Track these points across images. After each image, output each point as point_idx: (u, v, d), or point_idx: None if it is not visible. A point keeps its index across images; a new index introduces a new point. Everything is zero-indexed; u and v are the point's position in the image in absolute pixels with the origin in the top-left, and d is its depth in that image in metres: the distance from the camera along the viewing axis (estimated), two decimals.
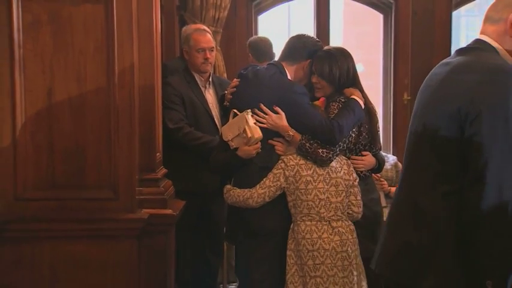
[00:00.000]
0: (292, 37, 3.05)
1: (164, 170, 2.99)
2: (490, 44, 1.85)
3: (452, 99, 1.78)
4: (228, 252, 4.07)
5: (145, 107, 2.80)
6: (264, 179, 2.80)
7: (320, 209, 2.77)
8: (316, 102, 2.94)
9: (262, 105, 2.82)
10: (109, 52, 2.59)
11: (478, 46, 1.88)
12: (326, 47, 3.03)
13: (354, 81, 2.95)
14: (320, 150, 2.78)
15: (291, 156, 2.82)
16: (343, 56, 2.94)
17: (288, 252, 2.81)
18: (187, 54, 3.68)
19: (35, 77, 2.59)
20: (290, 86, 2.89)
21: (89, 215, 2.63)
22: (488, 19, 1.88)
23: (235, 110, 2.88)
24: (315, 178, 2.78)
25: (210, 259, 3.85)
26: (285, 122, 2.81)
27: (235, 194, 2.84)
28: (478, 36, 1.91)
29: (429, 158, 1.85)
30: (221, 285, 4.05)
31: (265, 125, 2.81)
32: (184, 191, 3.24)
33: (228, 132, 2.87)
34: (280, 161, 2.82)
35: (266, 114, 2.82)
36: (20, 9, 2.55)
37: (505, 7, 1.83)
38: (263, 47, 4.01)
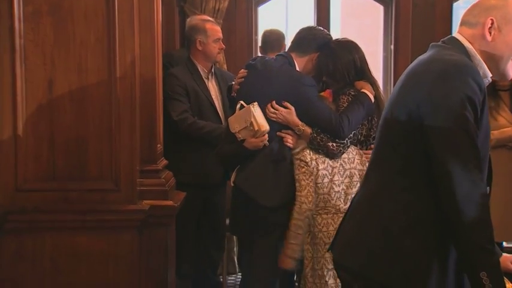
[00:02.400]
0: (303, 29, 3.02)
1: (165, 162, 2.98)
2: (460, 42, 1.88)
3: (413, 94, 1.81)
4: (228, 245, 4.08)
5: (147, 99, 2.79)
6: (296, 185, 2.75)
7: (336, 201, 2.77)
8: (323, 94, 2.93)
9: (273, 103, 2.80)
10: (110, 43, 2.58)
11: (446, 42, 1.91)
12: (332, 41, 2.98)
13: (363, 72, 2.91)
14: (330, 144, 2.77)
15: (304, 153, 2.79)
16: (345, 50, 2.89)
17: (306, 246, 2.80)
18: (201, 44, 3.61)
19: (36, 68, 2.58)
20: (299, 77, 2.87)
21: (90, 207, 2.62)
22: (464, 23, 1.91)
23: (242, 102, 2.85)
24: (330, 171, 2.78)
25: (212, 252, 3.85)
26: (294, 117, 2.80)
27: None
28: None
29: (391, 150, 1.87)
30: (220, 276, 4.06)
31: (273, 117, 2.79)
32: (187, 183, 3.24)
33: (235, 124, 2.84)
34: (297, 160, 2.78)
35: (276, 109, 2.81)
36: None
37: (482, 12, 1.87)
38: (269, 39, 3.98)
